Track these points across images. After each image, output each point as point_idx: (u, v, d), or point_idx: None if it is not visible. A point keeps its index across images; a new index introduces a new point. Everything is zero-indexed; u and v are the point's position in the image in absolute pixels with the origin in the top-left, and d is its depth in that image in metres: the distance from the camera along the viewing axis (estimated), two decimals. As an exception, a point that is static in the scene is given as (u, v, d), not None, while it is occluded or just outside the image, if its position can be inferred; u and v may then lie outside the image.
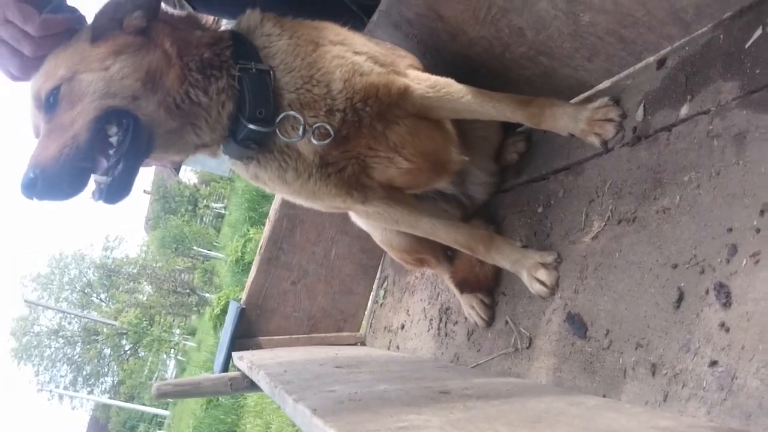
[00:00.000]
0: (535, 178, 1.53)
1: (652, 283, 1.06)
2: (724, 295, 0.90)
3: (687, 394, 0.91)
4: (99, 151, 1.11)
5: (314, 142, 1.22)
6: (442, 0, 1.36)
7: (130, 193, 1.13)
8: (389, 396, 1.06)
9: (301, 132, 1.20)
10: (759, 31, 0.98)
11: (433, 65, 1.54)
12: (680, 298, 0.99)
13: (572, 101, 1.42)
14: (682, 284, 0.99)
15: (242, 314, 2.30)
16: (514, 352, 1.40)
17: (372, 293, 2.43)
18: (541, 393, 1.08)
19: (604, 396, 1.08)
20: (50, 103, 1.11)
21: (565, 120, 1.31)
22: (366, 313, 2.43)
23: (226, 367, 2.28)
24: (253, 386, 2.16)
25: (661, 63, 1.19)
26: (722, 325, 0.89)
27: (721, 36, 1.06)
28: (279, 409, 5.98)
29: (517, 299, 1.45)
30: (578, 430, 0.79)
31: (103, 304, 36.16)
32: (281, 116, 1.20)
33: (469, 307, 1.56)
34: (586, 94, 1.39)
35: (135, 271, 35.14)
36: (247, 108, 1.19)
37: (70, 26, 1.17)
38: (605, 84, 1.34)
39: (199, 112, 1.18)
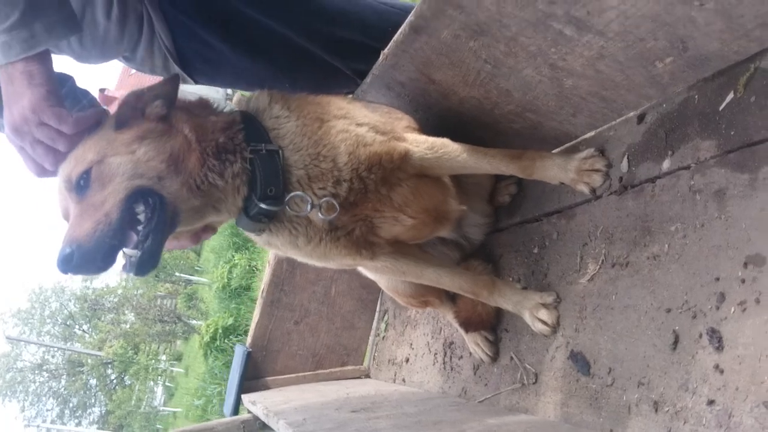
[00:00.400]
0: (528, 219, 1.63)
1: (649, 326, 1.15)
2: (717, 339, 1.00)
3: (689, 430, 1.01)
4: (128, 227, 1.19)
5: (321, 216, 1.30)
6: (433, 66, 1.46)
7: (158, 265, 1.21)
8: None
9: (308, 208, 1.29)
10: (731, 95, 1.08)
11: (425, 119, 1.63)
12: (676, 341, 1.08)
13: (558, 150, 1.52)
14: (677, 327, 1.09)
15: (249, 357, 2.37)
16: (521, 387, 1.49)
17: (373, 327, 2.52)
18: (555, 434, 1.17)
19: (611, 431, 1.18)
20: (81, 185, 1.19)
21: (555, 170, 1.41)
22: (368, 346, 2.51)
23: (236, 410, 2.35)
24: (265, 428, 2.23)
25: (641, 118, 1.29)
26: (717, 366, 0.99)
27: (696, 97, 1.16)
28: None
29: (520, 336, 1.54)
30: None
31: (86, 335, 35.80)
32: (289, 196, 1.28)
33: (474, 344, 1.65)
34: (572, 143, 1.49)
35: (116, 300, 34.84)
36: (259, 188, 1.28)
37: (98, 120, 1.25)
38: (590, 134, 1.44)
39: (218, 194, 1.27)
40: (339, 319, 2.51)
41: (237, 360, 2.42)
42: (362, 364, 2.50)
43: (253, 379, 2.38)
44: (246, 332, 9.96)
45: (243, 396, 2.25)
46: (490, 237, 1.76)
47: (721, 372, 0.98)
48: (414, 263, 1.48)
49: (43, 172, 1.24)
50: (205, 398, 10.31)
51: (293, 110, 1.35)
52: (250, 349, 2.39)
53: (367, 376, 2.45)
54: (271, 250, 1.43)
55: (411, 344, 2.14)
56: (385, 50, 1.51)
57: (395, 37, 1.44)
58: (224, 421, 2.25)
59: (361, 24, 1.58)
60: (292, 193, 1.29)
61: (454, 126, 1.60)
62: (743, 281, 0.98)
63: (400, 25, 1.48)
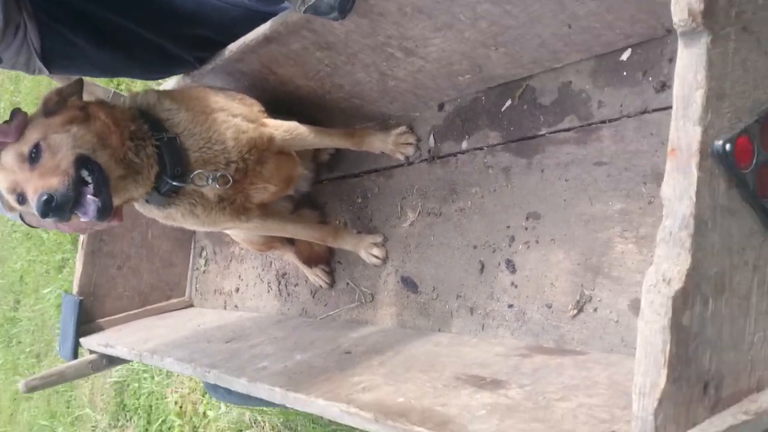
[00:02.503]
0: (348, 174, 2.09)
1: (461, 257, 1.70)
2: (511, 266, 1.57)
3: (497, 324, 1.58)
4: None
5: (217, 187, 1.65)
6: (277, 63, 1.80)
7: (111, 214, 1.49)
8: (316, 364, 1.59)
9: (209, 182, 1.62)
10: (509, 102, 1.62)
11: (263, 100, 1.98)
12: (482, 268, 1.64)
13: (372, 124, 1.98)
14: (482, 258, 1.64)
15: (81, 304, 2.57)
16: (359, 305, 1.99)
17: (190, 263, 2.84)
18: (408, 340, 1.68)
19: (439, 330, 1.73)
20: (33, 157, 1.44)
21: (378, 143, 1.87)
22: (188, 280, 2.84)
23: (75, 355, 2.56)
24: (111, 363, 2.51)
25: (440, 107, 1.79)
26: (512, 283, 1.56)
27: (483, 98, 1.68)
28: (37, 364, 6.01)
29: (353, 266, 2.03)
30: (458, 365, 1.40)
31: None
32: (194, 173, 1.60)
33: (313, 275, 2.11)
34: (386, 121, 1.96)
35: None
36: (169, 168, 1.58)
37: (27, 121, 1.50)
38: (401, 114, 1.91)
39: (136, 168, 1.56)
40: (158, 260, 2.79)
41: (67, 308, 2.60)
42: (184, 296, 2.83)
43: (86, 323, 2.59)
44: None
45: (86, 339, 2.48)
46: (314, 188, 2.19)
47: (516, 287, 1.55)
48: (278, 222, 1.88)
49: None
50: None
51: (180, 103, 1.65)
52: (81, 297, 2.59)
53: (191, 306, 2.80)
54: (167, 222, 1.74)
55: (239, 276, 2.53)
56: (232, 48, 1.83)
57: (246, 41, 1.77)
58: (73, 365, 2.47)
59: (205, 21, 1.85)
60: (196, 171, 1.61)
61: (289, 105, 1.97)
62: (526, 228, 1.55)
63: (236, 20, 1.80)
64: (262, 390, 1.52)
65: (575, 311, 1.40)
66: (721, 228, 0.88)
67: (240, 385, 1.60)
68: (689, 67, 0.85)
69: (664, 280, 0.84)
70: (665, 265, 0.85)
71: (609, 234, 1.36)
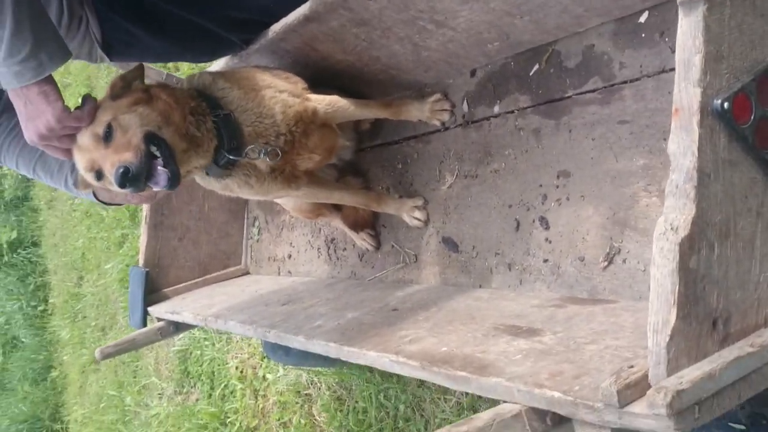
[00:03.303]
0: (388, 142, 2.20)
1: (498, 216, 1.80)
2: (545, 222, 1.66)
3: (533, 279, 1.69)
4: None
5: (268, 161, 1.78)
6: (318, 41, 1.91)
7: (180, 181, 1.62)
8: (366, 321, 1.72)
9: (261, 155, 1.75)
10: (537, 66, 1.70)
11: (306, 74, 2.09)
12: (518, 225, 1.74)
13: (410, 93, 2.08)
14: (517, 217, 1.74)
15: (148, 275, 2.76)
16: (404, 266, 2.11)
17: (244, 232, 3.00)
18: (450, 296, 1.80)
19: (480, 286, 1.83)
20: (107, 136, 1.59)
21: (415, 112, 1.97)
22: (243, 249, 3.00)
23: (144, 322, 2.75)
24: (178, 329, 2.69)
25: (473, 73, 1.88)
26: (546, 239, 1.66)
27: (512, 63, 1.76)
28: (102, 337, 6.33)
29: (397, 229, 2.14)
30: (497, 317, 1.51)
31: None
32: (248, 148, 1.74)
33: (360, 239, 2.23)
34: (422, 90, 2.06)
35: None
36: (226, 142, 1.72)
37: (97, 106, 1.66)
38: (434, 81, 2.00)
39: (198, 141, 1.70)
40: (215, 231, 2.95)
41: (135, 280, 2.79)
42: (241, 264, 3.00)
43: (152, 292, 2.78)
44: (35, 243, 9.71)
45: (153, 308, 2.66)
46: (357, 156, 2.30)
47: (550, 242, 1.65)
48: (326, 189, 2.02)
49: (69, 153, 1.66)
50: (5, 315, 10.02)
51: (232, 82, 1.79)
52: (147, 269, 2.77)
53: (247, 273, 2.96)
54: (224, 192, 1.89)
55: (291, 243, 2.67)
56: (275, 28, 1.94)
57: (288, 21, 1.87)
58: (143, 332, 2.66)
59: (249, 4, 1.97)
60: (250, 146, 1.74)
61: (330, 79, 2.08)
62: (557, 186, 1.64)
63: (278, 1, 1.91)
64: (318, 346, 1.65)
65: (606, 263, 1.50)
66: (723, 179, 0.96)
67: (298, 342, 1.74)
68: (688, 33, 0.93)
69: (671, 228, 0.93)
70: (672, 215, 0.94)
71: (634, 189, 1.44)
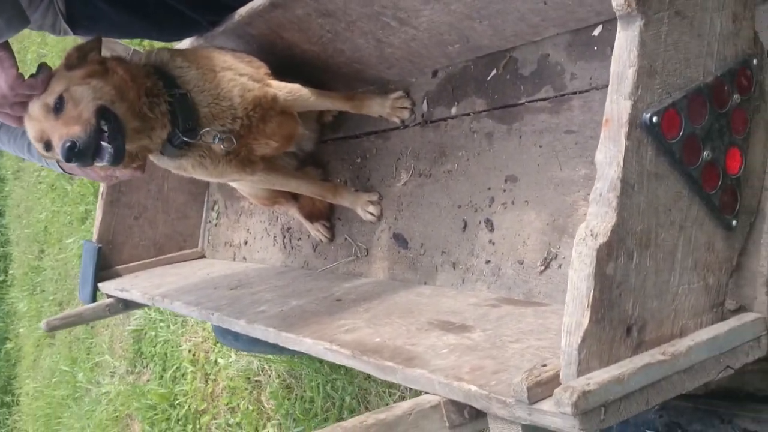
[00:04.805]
0: (350, 135, 2.21)
1: (447, 216, 1.82)
2: (490, 224, 1.69)
3: (475, 279, 1.71)
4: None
5: (222, 147, 1.78)
6: (283, 28, 1.92)
7: (123, 159, 1.63)
8: (309, 309, 1.73)
9: (215, 140, 1.76)
10: (494, 71, 1.73)
11: (270, 62, 2.10)
12: (465, 226, 1.77)
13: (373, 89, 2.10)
14: (465, 217, 1.77)
15: (100, 251, 2.74)
16: (355, 259, 2.13)
17: (203, 216, 3.00)
18: (394, 290, 1.82)
19: (425, 283, 1.86)
20: (57, 107, 1.58)
21: (376, 107, 1.99)
22: (200, 232, 3.00)
23: (94, 298, 2.74)
24: (127, 307, 2.68)
25: (434, 74, 1.90)
26: (490, 241, 1.69)
27: (472, 67, 1.79)
28: (59, 311, 6.26)
29: (351, 223, 2.16)
30: (433, 312, 1.54)
31: None
32: (203, 131, 1.74)
33: (314, 230, 2.24)
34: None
35: None
36: (181, 123, 1.72)
37: (52, 75, 1.64)
38: (399, 79, 2.02)
39: (151, 123, 1.70)
40: (173, 211, 2.94)
41: (87, 254, 2.78)
42: (197, 248, 2.99)
43: (104, 269, 2.77)
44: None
45: (104, 284, 2.65)
46: (318, 147, 2.32)
47: (493, 244, 1.68)
48: (282, 176, 2.03)
49: (22, 121, 1.65)
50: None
51: (191, 62, 1.79)
52: (100, 245, 2.76)
53: (203, 257, 2.96)
54: (178, 172, 1.89)
55: (248, 230, 2.68)
56: (241, 12, 1.95)
57: (254, 6, 1.88)
58: (91, 307, 2.65)
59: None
60: (204, 129, 1.75)
61: (295, 69, 2.09)
62: (504, 190, 1.67)
63: None
64: (258, 330, 1.67)
65: (543, 267, 1.53)
66: (648, 191, 0.99)
67: (239, 326, 1.75)
68: (624, 47, 0.96)
69: (591, 234, 0.96)
70: (594, 221, 0.97)
71: (574, 197, 1.48)
